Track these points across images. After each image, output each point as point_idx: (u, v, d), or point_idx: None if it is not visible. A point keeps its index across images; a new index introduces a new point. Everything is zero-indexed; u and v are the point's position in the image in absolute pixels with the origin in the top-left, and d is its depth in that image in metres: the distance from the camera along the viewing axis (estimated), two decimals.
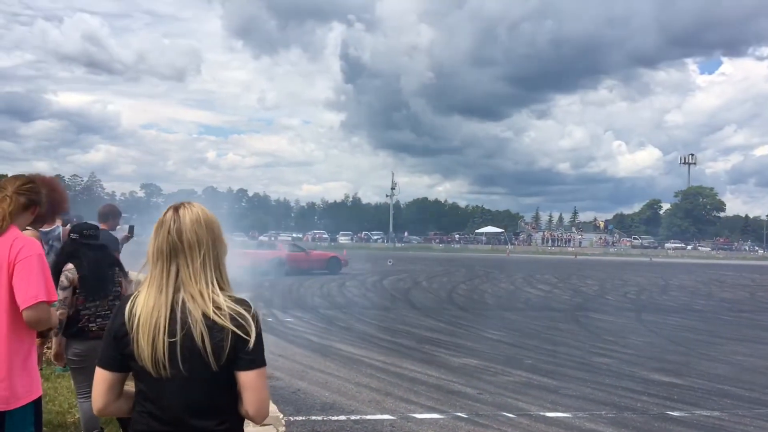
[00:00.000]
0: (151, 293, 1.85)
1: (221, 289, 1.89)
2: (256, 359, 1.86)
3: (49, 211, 3.50)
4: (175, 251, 1.85)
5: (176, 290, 1.84)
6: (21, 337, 2.82)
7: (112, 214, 6.38)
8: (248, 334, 1.84)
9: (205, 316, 1.82)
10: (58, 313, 4.31)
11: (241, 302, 1.88)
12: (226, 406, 1.88)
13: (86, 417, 4.53)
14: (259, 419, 1.91)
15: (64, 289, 4.38)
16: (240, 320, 1.84)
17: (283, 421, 2.86)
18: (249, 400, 1.86)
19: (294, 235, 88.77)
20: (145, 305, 1.84)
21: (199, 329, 1.80)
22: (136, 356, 1.83)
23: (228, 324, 1.82)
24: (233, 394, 1.87)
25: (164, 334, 1.81)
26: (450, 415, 6.34)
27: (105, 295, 4.50)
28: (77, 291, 4.42)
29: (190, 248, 1.85)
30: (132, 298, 1.89)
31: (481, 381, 7.91)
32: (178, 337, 1.81)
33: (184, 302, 1.83)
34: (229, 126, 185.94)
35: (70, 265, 4.44)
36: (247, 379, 1.85)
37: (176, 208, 1.91)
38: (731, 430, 6.16)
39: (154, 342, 1.80)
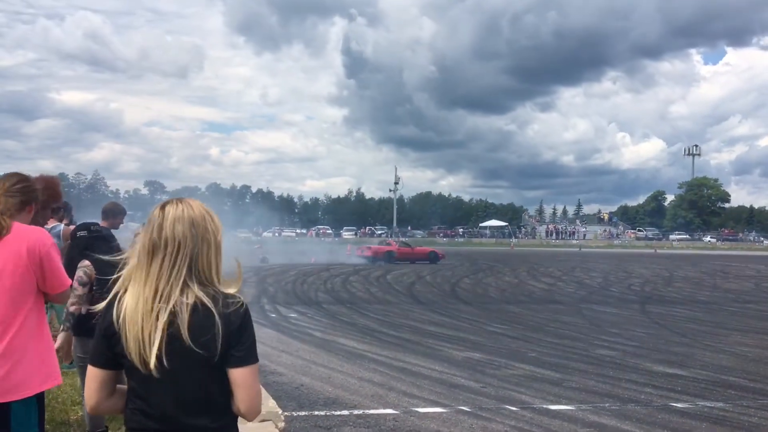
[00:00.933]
0: (138, 290, 1.84)
1: (210, 285, 1.87)
2: (246, 355, 1.85)
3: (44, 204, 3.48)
4: (156, 248, 1.85)
5: (162, 287, 1.83)
6: (35, 324, 2.84)
7: (112, 212, 6.34)
8: (237, 331, 1.83)
9: (191, 312, 1.80)
10: (72, 308, 4.33)
11: (230, 298, 1.87)
12: (219, 403, 1.86)
13: (91, 415, 4.54)
14: (251, 416, 1.90)
15: (84, 285, 4.37)
16: (229, 316, 1.83)
17: (282, 416, 2.85)
18: (240, 397, 1.85)
19: (298, 230, 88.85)
20: (132, 302, 1.83)
21: (186, 326, 1.79)
22: (126, 354, 1.82)
23: (216, 320, 1.80)
24: (226, 391, 1.86)
25: (152, 331, 1.79)
26: (453, 409, 6.33)
27: None
28: (93, 287, 4.40)
29: (168, 245, 1.84)
30: (120, 295, 1.88)
31: (484, 374, 7.91)
32: (166, 334, 1.79)
33: (170, 299, 1.81)
34: (232, 122, 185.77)
35: (86, 262, 4.44)
36: (237, 375, 1.84)
37: (163, 205, 1.91)
38: (735, 421, 6.13)
39: (142, 339, 1.79)
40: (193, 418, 1.83)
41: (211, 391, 1.84)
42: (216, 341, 1.80)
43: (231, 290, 1.90)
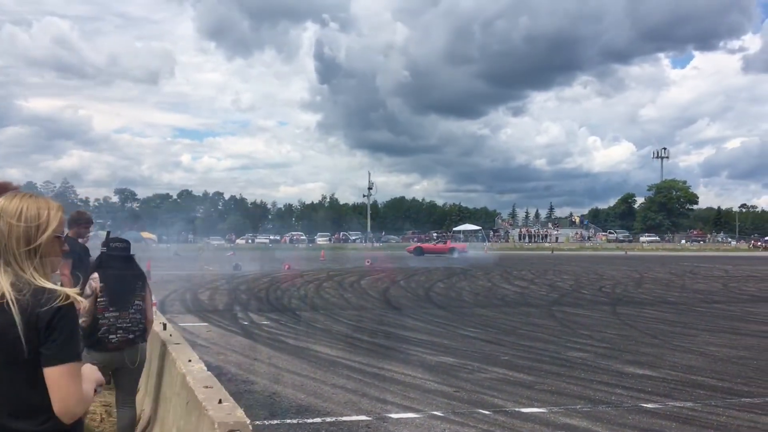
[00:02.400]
0: None
1: (24, 281, 1.82)
2: (57, 354, 1.79)
3: None
4: None
5: None
6: None
7: (76, 221, 6.24)
8: (47, 327, 1.79)
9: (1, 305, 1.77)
10: (80, 321, 4.36)
11: (45, 294, 1.82)
12: (41, 406, 1.81)
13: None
14: (66, 418, 1.83)
15: (86, 297, 4.51)
16: (36, 312, 1.78)
17: (250, 426, 2.80)
18: (53, 398, 1.79)
19: (272, 237, 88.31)
20: None
21: None
22: None
23: (15, 316, 1.76)
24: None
25: None
26: (426, 414, 6.32)
27: (125, 308, 4.67)
28: (99, 300, 4.58)
29: None
30: None
31: (457, 379, 7.91)
32: None
33: None
34: (204, 129, 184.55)
35: (95, 274, 4.64)
36: (48, 374, 1.79)
37: None
38: (704, 421, 6.22)
39: None
40: (12, 420, 1.79)
41: (28, 392, 1.80)
42: (22, 336, 1.75)
43: (65, 290, 1.85)
